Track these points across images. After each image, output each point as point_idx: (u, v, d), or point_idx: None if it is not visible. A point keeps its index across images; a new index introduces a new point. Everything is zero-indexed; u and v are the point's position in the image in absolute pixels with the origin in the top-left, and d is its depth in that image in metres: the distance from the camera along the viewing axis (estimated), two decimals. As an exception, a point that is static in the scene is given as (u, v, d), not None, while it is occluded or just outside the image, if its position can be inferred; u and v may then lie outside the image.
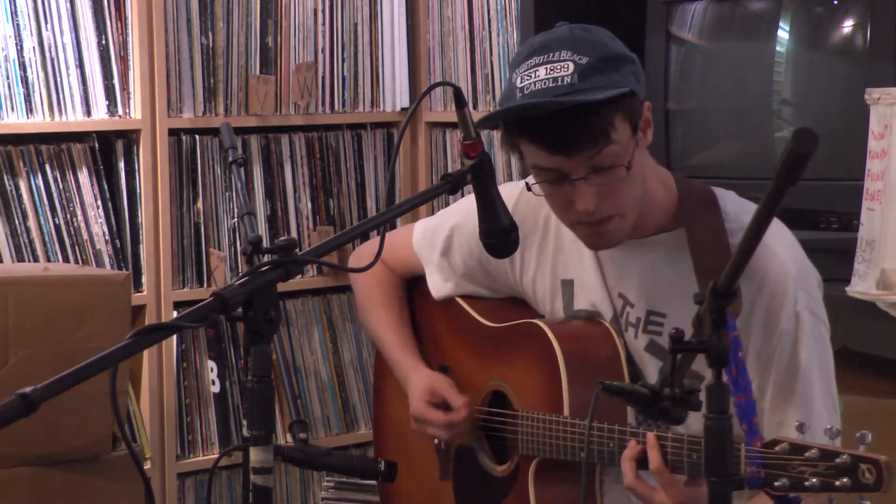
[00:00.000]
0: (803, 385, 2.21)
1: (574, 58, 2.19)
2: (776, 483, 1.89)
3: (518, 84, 2.21)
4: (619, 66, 2.21)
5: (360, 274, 2.73)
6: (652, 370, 2.34)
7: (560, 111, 2.16)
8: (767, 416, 2.22)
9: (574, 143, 2.18)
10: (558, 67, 2.18)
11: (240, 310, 1.69)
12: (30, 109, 3.67)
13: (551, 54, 2.20)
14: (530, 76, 2.20)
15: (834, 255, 2.96)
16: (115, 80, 3.78)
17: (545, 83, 2.18)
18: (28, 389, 1.48)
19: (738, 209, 2.31)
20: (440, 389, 2.55)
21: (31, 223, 3.69)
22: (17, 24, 3.64)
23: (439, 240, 2.61)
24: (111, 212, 3.80)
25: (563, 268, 2.45)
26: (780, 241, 2.26)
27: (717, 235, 2.26)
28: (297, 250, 1.77)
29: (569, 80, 2.17)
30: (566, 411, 2.33)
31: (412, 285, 2.74)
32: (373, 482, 3.04)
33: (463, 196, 2.52)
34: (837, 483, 1.84)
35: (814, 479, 1.86)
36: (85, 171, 3.76)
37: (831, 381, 2.25)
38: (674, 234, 2.32)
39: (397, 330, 2.68)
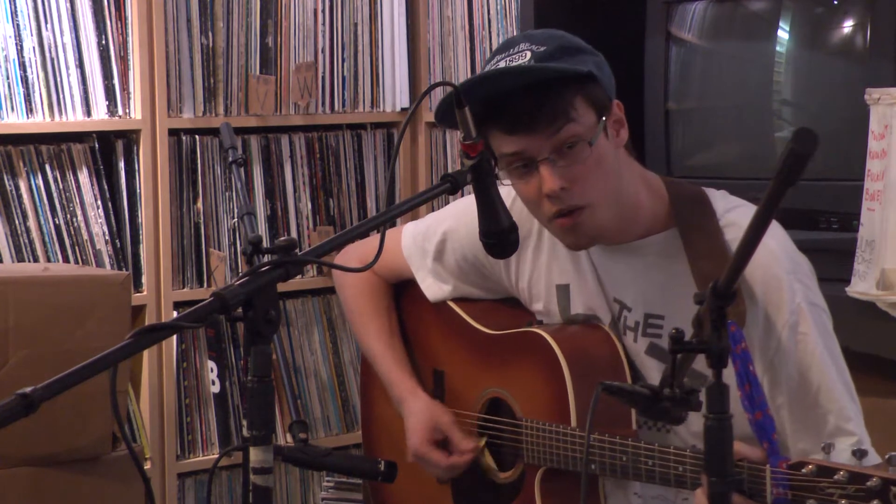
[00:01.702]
0: (820, 376, 2.18)
1: (532, 48, 2.23)
2: None
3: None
4: (577, 54, 2.24)
5: (346, 279, 2.72)
6: (654, 373, 2.33)
7: (520, 91, 2.18)
8: (787, 412, 2.19)
9: (533, 119, 2.20)
10: (517, 57, 2.23)
11: (240, 310, 1.69)
12: (30, 109, 3.67)
13: (511, 49, 2.25)
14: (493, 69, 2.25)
15: (834, 255, 2.96)
16: (115, 80, 3.78)
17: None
18: (28, 389, 1.48)
19: (727, 205, 2.31)
20: (443, 427, 2.54)
21: (31, 223, 3.69)
22: (17, 24, 3.64)
23: (431, 245, 2.60)
24: (111, 212, 3.80)
25: (558, 273, 2.44)
26: (770, 234, 2.25)
27: (712, 235, 2.25)
28: (297, 250, 1.76)
29: (526, 65, 2.21)
30: (573, 421, 2.32)
31: (400, 288, 2.73)
32: (361, 482, 3.04)
33: (463, 195, 2.52)
34: None
35: (843, 501, 1.84)
36: (85, 171, 3.76)
37: (844, 368, 2.23)
38: (665, 234, 2.32)
39: (389, 344, 2.67)
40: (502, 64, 2.23)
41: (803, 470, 1.89)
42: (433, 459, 2.53)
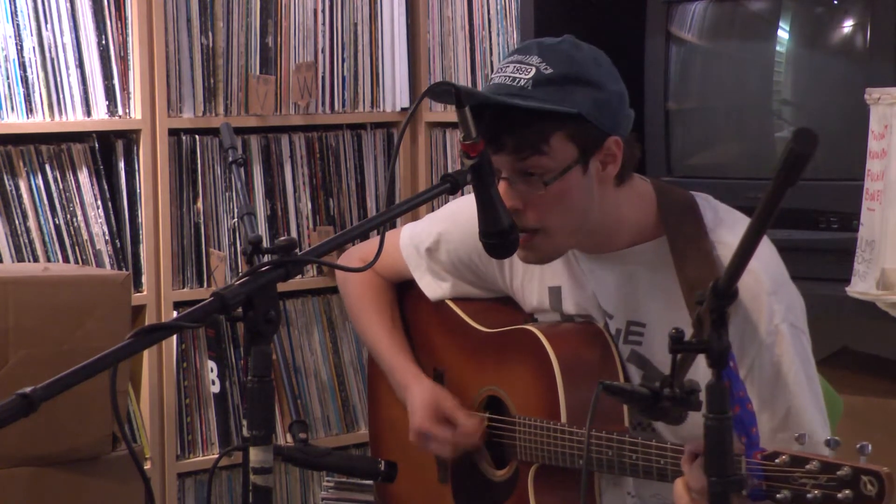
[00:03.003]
0: (791, 399, 2.18)
1: (540, 65, 2.21)
2: (778, 496, 1.89)
3: (492, 75, 2.26)
4: (580, 87, 2.20)
5: (349, 279, 2.73)
6: (636, 379, 2.34)
7: (502, 112, 2.17)
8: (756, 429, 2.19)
9: (499, 142, 2.20)
10: (524, 69, 2.22)
11: (240, 310, 1.69)
12: (30, 109, 3.67)
13: (526, 56, 2.24)
14: (502, 69, 2.24)
15: (834, 255, 2.97)
16: (115, 80, 3.78)
17: (505, 79, 2.22)
18: (28, 389, 1.48)
19: (718, 217, 2.29)
20: (446, 407, 2.53)
21: (31, 223, 3.69)
22: (17, 24, 3.64)
23: (426, 245, 2.60)
24: (111, 212, 3.80)
25: (550, 275, 2.44)
26: (756, 254, 2.23)
27: (700, 244, 2.24)
28: (297, 250, 1.77)
29: (522, 84, 2.20)
30: (563, 418, 2.33)
31: (401, 290, 2.73)
32: (372, 482, 3.04)
33: (463, 194, 2.52)
34: (840, 496, 1.83)
35: (816, 492, 1.85)
36: (85, 171, 3.76)
37: (819, 394, 2.23)
38: (654, 243, 2.31)
39: (392, 335, 2.67)
40: (510, 69, 2.22)
41: (777, 460, 1.90)
42: (437, 434, 2.51)
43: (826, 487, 1.85)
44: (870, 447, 1.85)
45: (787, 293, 2.23)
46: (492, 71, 4.04)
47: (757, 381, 2.19)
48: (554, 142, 2.19)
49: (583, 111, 2.19)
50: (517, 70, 2.22)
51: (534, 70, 2.20)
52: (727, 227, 2.27)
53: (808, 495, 1.86)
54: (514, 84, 2.20)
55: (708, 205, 2.32)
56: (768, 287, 2.19)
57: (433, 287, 2.63)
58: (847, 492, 1.83)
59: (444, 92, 2.11)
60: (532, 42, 2.28)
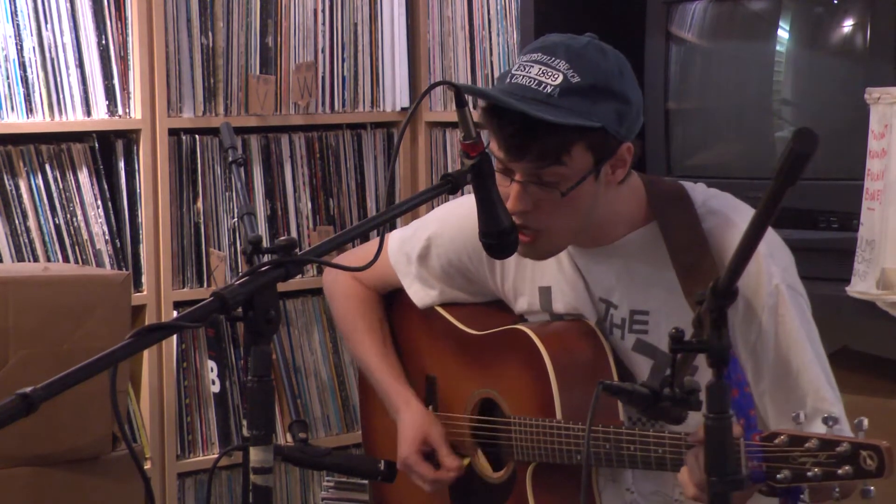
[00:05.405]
0: (799, 359, 2.20)
1: (568, 72, 2.18)
2: (778, 476, 1.90)
3: (513, 70, 2.22)
4: (605, 99, 2.19)
5: (336, 290, 2.72)
6: (644, 368, 2.35)
7: (523, 118, 2.15)
8: (769, 398, 2.21)
9: (522, 150, 2.19)
10: (550, 74, 2.19)
11: (240, 310, 1.69)
12: (30, 109, 3.67)
13: (552, 59, 2.20)
14: (524, 69, 2.21)
15: (834, 255, 2.96)
16: (115, 80, 3.78)
17: (530, 82, 2.18)
18: (28, 389, 1.48)
19: (705, 196, 2.32)
20: (433, 441, 2.55)
21: (31, 223, 3.69)
22: (17, 24, 3.64)
23: (416, 250, 2.60)
24: (111, 212, 3.80)
25: (540, 275, 2.45)
26: (747, 219, 2.24)
27: (691, 227, 2.26)
28: (297, 250, 1.77)
29: (549, 91, 2.17)
30: (559, 415, 2.33)
31: (389, 297, 2.72)
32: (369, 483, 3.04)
33: (463, 194, 2.52)
34: (840, 471, 1.84)
35: (816, 469, 1.87)
36: (85, 171, 3.76)
37: (822, 352, 2.25)
38: (645, 229, 2.32)
39: (384, 356, 2.67)
40: (535, 70, 2.19)
41: (775, 441, 1.91)
42: (419, 471, 2.54)
43: (826, 465, 1.86)
44: (866, 422, 1.86)
45: (781, 255, 2.27)
46: (492, 71, 4.05)
47: (766, 347, 2.21)
48: (574, 152, 2.19)
49: (606, 125, 2.18)
50: (543, 73, 2.19)
51: (561, 77, 2.17)
52: (715, 199, 2.30)
53: (809, 473, 1.87)
54: (541, 90, 2.17)
55: (697, 188, 2.35)
56: (763, 250, 2.20)
57: (421, 294, 2.63)
58: (847, 468, 1.84)
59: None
60: (557, 41, 2.24)
